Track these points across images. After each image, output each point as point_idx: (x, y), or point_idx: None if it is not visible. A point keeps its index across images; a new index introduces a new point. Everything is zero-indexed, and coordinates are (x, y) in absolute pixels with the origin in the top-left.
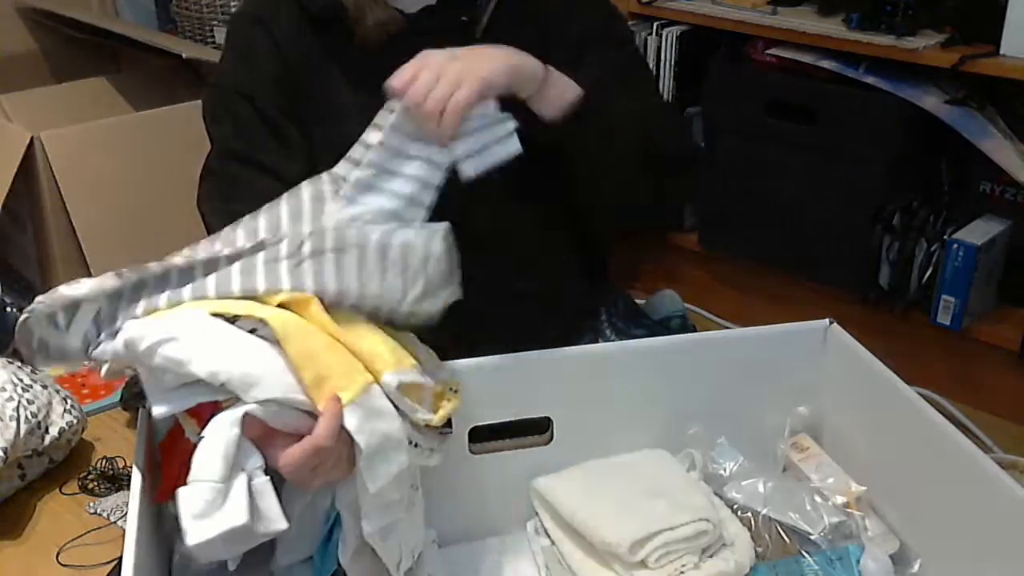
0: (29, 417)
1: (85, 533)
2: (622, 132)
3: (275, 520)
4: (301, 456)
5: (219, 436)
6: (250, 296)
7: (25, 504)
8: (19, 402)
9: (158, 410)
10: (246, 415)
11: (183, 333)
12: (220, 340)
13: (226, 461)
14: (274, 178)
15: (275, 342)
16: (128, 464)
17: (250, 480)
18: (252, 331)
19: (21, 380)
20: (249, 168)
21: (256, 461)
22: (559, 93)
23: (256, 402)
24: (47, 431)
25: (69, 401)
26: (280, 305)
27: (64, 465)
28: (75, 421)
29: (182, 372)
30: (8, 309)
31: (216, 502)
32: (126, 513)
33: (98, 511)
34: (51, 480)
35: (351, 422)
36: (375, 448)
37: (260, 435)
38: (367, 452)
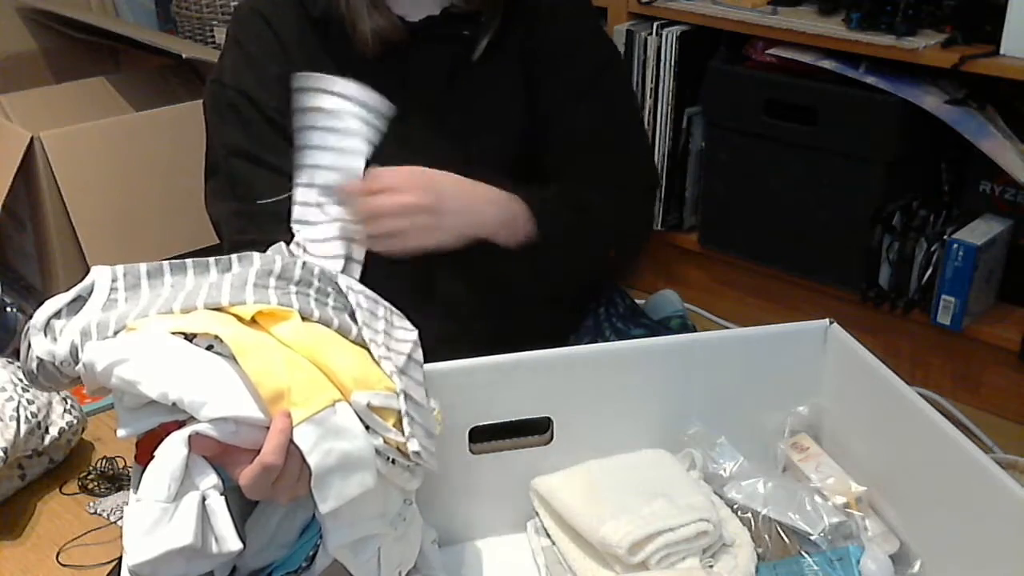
0: (29, 417)
1: (85, 533)
2: (570, 257)
3: (228, 540)
4: (252, 474)
5: (167, 456)
6: (238, 303)
7: (25, 504)
8: (19, 402)
9: (121, 432)
10: (195, 434)
11: (135, 354)
12: (171, 359)
13: (173, 481)
14: (282, 175)
15: (232, 358)
16: (128, 464)
17: (205, 500)
18: (209, 348)
19: (21, 380)
20: (255, 166)
21: (211, 480)
22: (516, 236)
23: (208, 420)
24: (47, 431)
25: (69, 401)
26: (256, 317)
27: (64, 465)
28: (75, 421)
29: (136, 393)
30: (8, 309)
31: (161, 521)
32: None
33: (98, 511)
34: (51, 480)
35: (304, 440)
36: (329, 468)
37: (218, 453)
38: (318, 472)
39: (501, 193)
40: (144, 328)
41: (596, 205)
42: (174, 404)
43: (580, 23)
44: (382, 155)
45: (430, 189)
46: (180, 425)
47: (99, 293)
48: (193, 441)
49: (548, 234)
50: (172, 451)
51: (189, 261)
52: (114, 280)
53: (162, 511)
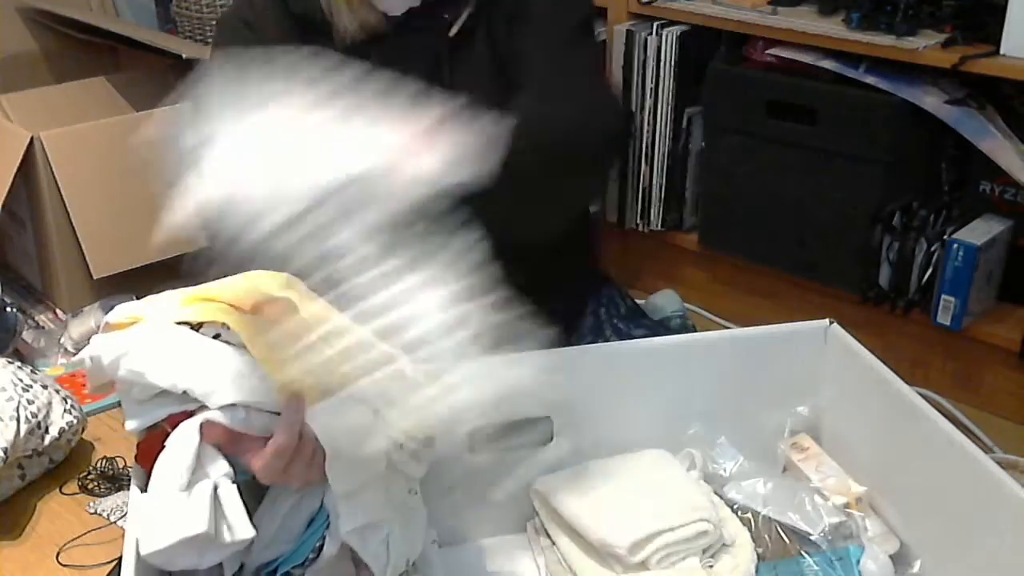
0: (29, 417)
1: (85, 533)
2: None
3: (241, 529)
4: (266, 457)
5: (179, 445)
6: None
7: (25, 504)
8: (19, 402)
9: (130, 425)
10: (206, 422)
11: (142, 345)
12: (179, 349)
13: (186, 469)
14: None
15: (240, 346)
16: (128, 464)
17: (216, 488)
18: (216, 336)
19: (21, 380)
20: None
21: (221, 468)
22: None
23: (219, 407)
24: (47, 431)
25: (69, 401)
26: (255, 307)
27: (64, 465)
28: (75, 421)
29: (145, 384)
30: (8, 309)
31: (174, 510)
32: (126, 513)
33: (98, 511)
34: (51, 480)
35: (316, 423)
36: (341, 450)
37: (228, 440)
38: (331, 453)
39: None
40: (150, 319)
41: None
42: (184, 393)
43: None
44: None
45: None
46: (189, 415)
47: None
48: (204, 429)
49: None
50: (184, 440)
51: None
52: None
53: (176, 500)
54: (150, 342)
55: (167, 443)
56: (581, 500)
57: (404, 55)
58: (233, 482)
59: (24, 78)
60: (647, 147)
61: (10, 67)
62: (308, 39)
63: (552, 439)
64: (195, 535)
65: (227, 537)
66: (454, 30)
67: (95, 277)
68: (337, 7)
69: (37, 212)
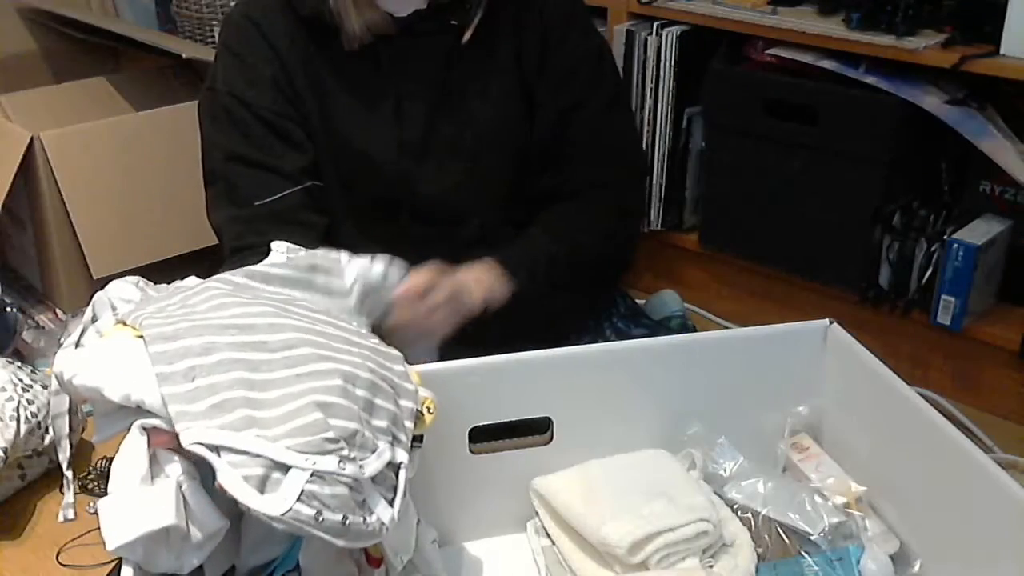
0: (29, 417)
1: (85, 533)
2: (558, 284)
3: (211, 521)
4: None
5: (127, 448)
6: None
7: (25, 504)
8: (19, 402)
9: (95, 438)
10: (152, 428)
11: (98, 361)
12: (132, 363)
13: (136, 469)
14: (278, 175)
15: None
16: None
17: (181, 487)
18: None
19: (21, 380)
20: (251, 168)
21: (179, 468)
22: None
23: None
24: (47, 431)
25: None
26: None
27: None
28: (75, 421)
29: (103, 399)
30: (8, 309)
31: (133, 506)
32: None
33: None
34: (51, 480)
35: None
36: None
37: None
38: None
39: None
40: (112, 335)
41: (584, 231)
42: (138, 407)
43: (568, 13)
44: (384, 157)
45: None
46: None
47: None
48: (151, 435)
49: (527, 287)
50: (131, 443)
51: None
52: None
53: (133, 496)
54: (106, 357)
55: (119, 448)
56: (581, 500)
57: (411, 57)
58: (194, 479)
59: (24, 78)
60: (647, 147)
61: (10, 67)
62: (315, 40)
63: (552, 439)
64: (162, 528)
65: (197, 534)
66: (467, 36)
67: (95, 277)
68: (344, 8)
69: (37, 212)
